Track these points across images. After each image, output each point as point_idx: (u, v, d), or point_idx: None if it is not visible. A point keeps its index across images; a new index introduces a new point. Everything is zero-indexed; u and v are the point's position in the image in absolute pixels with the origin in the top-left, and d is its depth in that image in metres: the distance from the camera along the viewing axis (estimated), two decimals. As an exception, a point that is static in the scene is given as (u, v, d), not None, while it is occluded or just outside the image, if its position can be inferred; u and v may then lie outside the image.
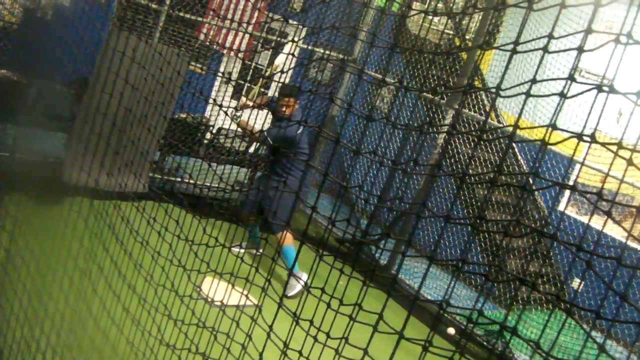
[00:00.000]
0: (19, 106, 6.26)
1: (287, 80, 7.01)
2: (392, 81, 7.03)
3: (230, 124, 7.12)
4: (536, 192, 6.49)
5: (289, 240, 4.96)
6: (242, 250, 5.10)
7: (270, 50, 7.99)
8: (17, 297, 3.19)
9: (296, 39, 3.47)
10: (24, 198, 4.63)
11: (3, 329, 3.07)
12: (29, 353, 2.86)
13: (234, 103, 7.92)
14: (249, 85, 7.71)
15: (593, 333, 5.71)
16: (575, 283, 6.41)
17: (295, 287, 4.89)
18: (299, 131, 5.04)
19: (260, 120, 6.02)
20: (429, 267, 1.42)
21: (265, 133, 4.99)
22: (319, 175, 6.87)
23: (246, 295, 2.21)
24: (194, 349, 2.37)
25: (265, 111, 5.71)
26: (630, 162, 1.06)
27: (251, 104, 5.23)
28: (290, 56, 5.38)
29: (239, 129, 5.55)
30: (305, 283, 1.80)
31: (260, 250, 5.28)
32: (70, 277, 3.02)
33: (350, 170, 7.37)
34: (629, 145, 1.14)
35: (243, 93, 5.74)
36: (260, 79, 5.95)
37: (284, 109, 5.03)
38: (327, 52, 7.08)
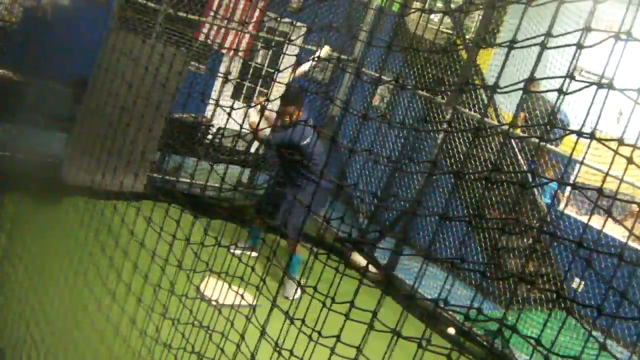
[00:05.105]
0: (19, 106, 6.26)
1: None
2: (390, 79, 7.02)
3: (227, 122, 7.05)
4: (536, 193, 6.47)
5: (298, 249, 4.78)
6: (239, 252, 5.06)
7: (270, 50, 7.99)
8: (16, 296, 3.19)
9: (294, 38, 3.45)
10: (24, 198, 4.63)
11: (5, 328, 3.07)
12: (29, 350, 2.86)
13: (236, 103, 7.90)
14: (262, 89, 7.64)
15: (594, 333, 5.70)
16: (575, 283, 6.40)
17: (294, 291, 4.72)
18: (307, 140, 4.66)
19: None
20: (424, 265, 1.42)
21: (269, 135, 4.70)
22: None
23: (241, 295, 2.20)
24: (189, 348, 2.36)
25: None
26: (630, 161, 1.06)
27: (260, 106, 4.76)
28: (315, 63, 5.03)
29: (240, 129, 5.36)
30: (302, 289, 1.77)
31: (256, 253, 5.18)
32: (69, 276, 3.01)
33: (350, 170, 7.37)
34: (629, 143, 1.14)
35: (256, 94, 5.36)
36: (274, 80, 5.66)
37: (286, 117, 4.68)
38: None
